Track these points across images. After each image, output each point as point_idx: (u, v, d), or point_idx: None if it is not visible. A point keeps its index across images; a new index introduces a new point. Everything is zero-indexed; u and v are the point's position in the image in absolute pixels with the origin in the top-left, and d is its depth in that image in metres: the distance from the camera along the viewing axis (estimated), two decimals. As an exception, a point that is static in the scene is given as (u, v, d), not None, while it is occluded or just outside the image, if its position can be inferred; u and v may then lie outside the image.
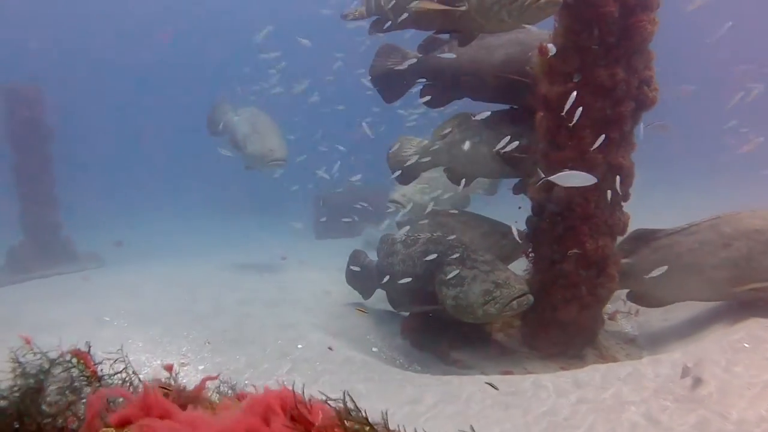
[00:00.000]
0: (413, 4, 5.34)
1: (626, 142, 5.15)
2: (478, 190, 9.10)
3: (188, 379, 4.79)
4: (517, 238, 5.38)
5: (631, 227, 5.48)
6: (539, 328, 5.43)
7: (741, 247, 5.04)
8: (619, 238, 5.47)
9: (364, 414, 1.25)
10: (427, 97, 6.37)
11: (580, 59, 4.85)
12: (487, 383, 4.15)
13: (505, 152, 5.90)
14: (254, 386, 1.78)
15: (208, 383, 1.78)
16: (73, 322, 6.70)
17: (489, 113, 5.82)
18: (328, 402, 1.29)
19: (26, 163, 12.07)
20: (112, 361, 1.75)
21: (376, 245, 6.94)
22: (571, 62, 4.87)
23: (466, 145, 5.85)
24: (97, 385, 1.66)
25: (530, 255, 5.59)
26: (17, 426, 1.40)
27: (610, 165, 5.03)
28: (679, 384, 3.84)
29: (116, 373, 1.76)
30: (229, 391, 1.92)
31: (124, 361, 1.77)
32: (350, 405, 1.27)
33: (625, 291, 5.89)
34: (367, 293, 7.25)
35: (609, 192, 4.96)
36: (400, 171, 6.77)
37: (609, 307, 5.94)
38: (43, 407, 1.46)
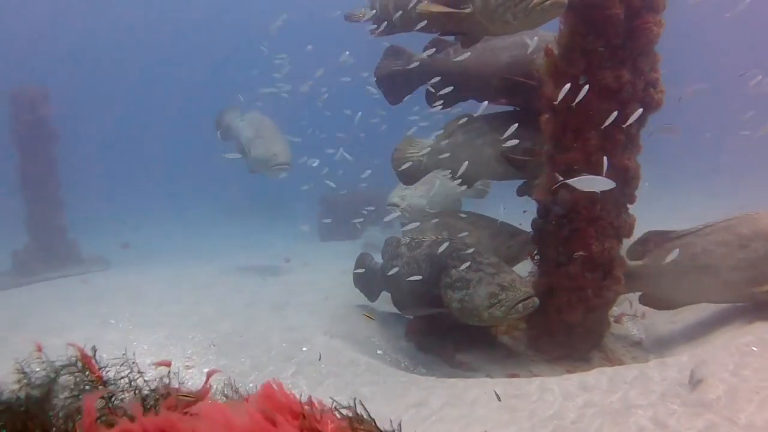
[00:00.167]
0: (418, 7, 5.34)
1: (632, 144, 5.13)
2: (467, 194, 9.16)
3: (193, 381, 4.80)
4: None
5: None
6: (545, 330, 5.41)
7: (759, 248, 5.01)
8: (626, 241, 5.44)
9: (374, 422, 1.23)
10: (439, 106, 6.35)
11: (585, 61, 4.83)
12: (494, 391, 4.12)
13: (509, 154, 5.90)
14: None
15: (213, 384, 1.77)
16: (78, 325, 6.72)
17: (486, 104, 5.77)
18: (338, 409, 1.28)
19: (31, 166, 12.12)
20: (118, 365, 1.74)
21: (376, 246, 6.95)
22: (576, 64, 4.85)
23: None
24: (102, 389, 1.65)
25: (536, 257, 5.57)
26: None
27: (615, 167, 5.00)
28: (686, 388, 3.81)
29: (121, 378, 1.75)
30: (234, 395, 1.92)
31: (129, 364, 1.77)
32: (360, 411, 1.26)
33: (632, 294, 5.86)
34: (372, 296, 7.24)
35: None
36: (406, 167, 6.79)
37: (615, 310, 5.92)
38: (50, 414, 1.45)
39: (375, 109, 10.08)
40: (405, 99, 7.07)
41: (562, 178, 4.63)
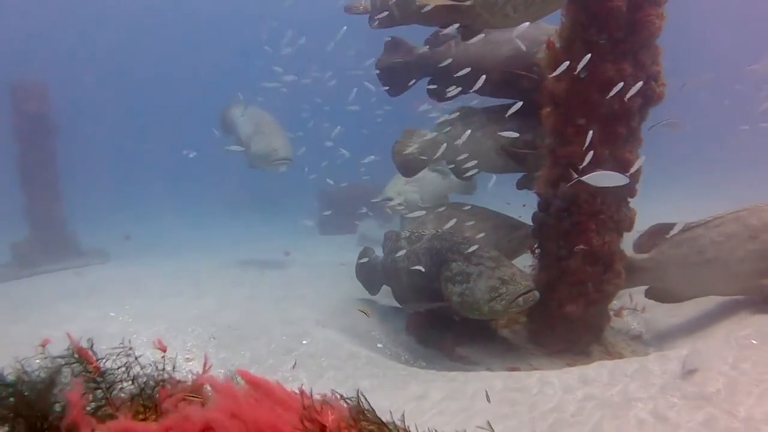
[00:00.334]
0: (419, 0, 5.32)
1: (633, 138, 5.11)
2: (454, 190, 9.20)
3: (193, 374, 4.81)
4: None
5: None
6: (545, 324, 5.40)
7: None
8: (629, 234, 5.42)
9: (375, 414, 1.23)
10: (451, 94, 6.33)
11: (587, 54, 4.81)
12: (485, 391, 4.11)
13: (509, 147, 5.88)
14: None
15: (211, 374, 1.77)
16: (78, 317, 6.73)
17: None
18: (346, 400, 1.27)
19: (31, 158, 12.11)
20: (116, 356, 1.73)
21: (372, 239, 6.97)
22: (578, 57, 4.82)
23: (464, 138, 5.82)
24: (99, 380, 1.64)
25: (536, 251, 5.56)
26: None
27: (616, 160, 4.99)
28: (686, 381, 3.81)
29: (119, 368, 1.74)
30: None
31: (128, 355, 1.76)
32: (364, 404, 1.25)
33: (632, 287, 5.84)
34: (373, 289, 7.25)
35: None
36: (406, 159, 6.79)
37: (615, 304, 5.91)
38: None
39: (379, 104, 10.09)
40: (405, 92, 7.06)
41: (576, 175, 4.61)
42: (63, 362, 1.57)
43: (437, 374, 4.77)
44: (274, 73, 10.66)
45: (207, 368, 1.79)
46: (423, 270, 5.62)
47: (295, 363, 5.11)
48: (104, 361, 1.64)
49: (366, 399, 1.26)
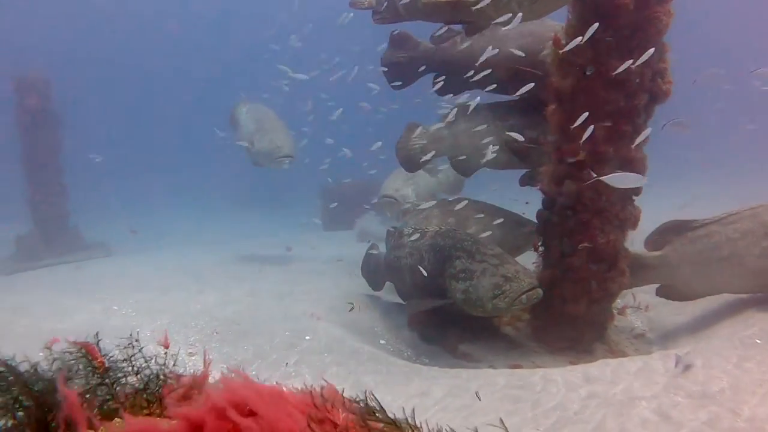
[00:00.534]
0: (425, -3, 5.29)
1: (638, 135, 5.08)
2: (442, 189, 9.22)
3: (196, 369, 4.81)
4: None
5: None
6: (548, 322, 5.40)
7: None
8: (642, 232, 5.39)
9: (385, 412, 1.22)
10: (457, 96, 6.33)
11: (593, 51, 4.79)
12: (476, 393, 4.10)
13: (513, 143, 5.86)
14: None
15: (215, 373, 1.76)
16: (81, 310, 6.74)
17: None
18: (352, 400, 1.26)
19: (34, 152, 12.15)
20: (122, 348, 1.73)
21: (371, 235, 6.99)
22: (584, 54, 4.80)
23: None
24: (105, 376, 1.64)
25: (540, 248, 5.55)
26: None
27: (622, 158, 4.97)
28: (690, 379, 3.80)
29: (124, 360, 1.74)
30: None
31: (133, 348, 1.75)
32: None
33: (643, 286, 5.80)
34: (377, 285, 7.25)
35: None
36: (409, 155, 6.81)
37: (618, 302, 5.90)
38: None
39: (382, 101, 10.08)
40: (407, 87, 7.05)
41: (595, 175, 4.60)
42: (71, 358, 1.57)
43: (440, 371, 4.77)
44: (281, 72, 10.67)
45: (207, 364, 1.78)
46: (426, 274, 5.60)
47: (293, 361, 5.11)
48: (109, 358, 1.64)
49: (375, 398, 1.25)
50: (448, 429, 1.39)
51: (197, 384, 1.64)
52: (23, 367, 1.53)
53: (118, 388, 1.57)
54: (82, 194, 15.36)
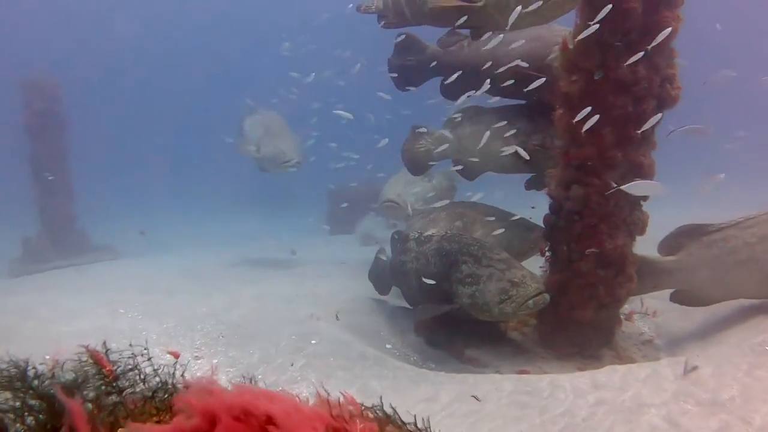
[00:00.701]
0: (430, 0, 5.29)
1: (646, 141, 5.06)
2: (435, 193, 9.22)
3: (202, 373, 4.81)
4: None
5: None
6: (556, 327, 5.36)
7: None
8: (656, 237, 5.35)
9: (401, 421, 1.20)
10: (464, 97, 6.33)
11: (601, 55, 4.77)
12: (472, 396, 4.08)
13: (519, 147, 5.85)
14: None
15: (224, 375, 1.76)
16: (88, 313, 6.74)
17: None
18: (368, 409, 1.25)
19: (42, 155, 12.21)
20: (130, 356, 1.73)
21: (374, 239, 6.98)
22: (592, 58, 4.79)
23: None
24: (114, 384, 1.63)
25: (547, 253, 5.52)
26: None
27: (630, 163, 4.95)
28: (700, 387, 3.77)
29: (130, 370, 1.73)
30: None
31: (142, 355, 1.75)
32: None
33: (657, 292, 5.75)
34: (384, 289, 7.24)
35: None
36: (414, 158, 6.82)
37: (625, 308, 5.86)
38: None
39: (389, 108, 10.10)
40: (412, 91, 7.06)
41: (615, 184, 4.58)
42: (81, 365, 1.57)
43: (447, 376, 4.75)
44: (291, 78, 10.72)
45: (213, 371, 1.78)
46: (432, 282, 5.57)
47: (299, 365, 5.10)
48: (117, 367, 1.63)
49: (393, 407, 1.24)
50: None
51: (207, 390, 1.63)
52: (35, 372, 1.53)
53: (127, 396, 1.57)
54: (89, 197, 15.44)
